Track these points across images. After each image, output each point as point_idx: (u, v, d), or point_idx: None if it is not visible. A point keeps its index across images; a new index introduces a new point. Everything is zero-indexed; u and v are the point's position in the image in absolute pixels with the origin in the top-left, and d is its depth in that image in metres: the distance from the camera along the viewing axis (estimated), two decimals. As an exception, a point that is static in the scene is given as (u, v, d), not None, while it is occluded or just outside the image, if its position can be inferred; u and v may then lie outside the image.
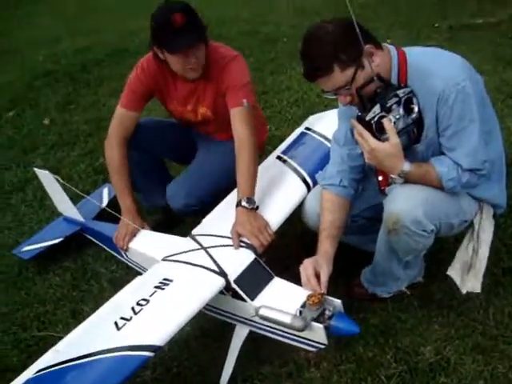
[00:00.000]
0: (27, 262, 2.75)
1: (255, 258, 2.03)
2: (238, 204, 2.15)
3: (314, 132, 2.64)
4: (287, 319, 1.79)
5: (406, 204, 1.85)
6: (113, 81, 4.89)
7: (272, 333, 1.93)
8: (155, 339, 1.68)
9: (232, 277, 1.94)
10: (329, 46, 1.73)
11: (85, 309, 2.43)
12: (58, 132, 4.13)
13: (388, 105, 1.74)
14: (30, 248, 2.77)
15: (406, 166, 1.81)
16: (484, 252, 2.06)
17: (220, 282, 1.92)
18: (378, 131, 1.75)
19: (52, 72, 5.36)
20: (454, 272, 2.08)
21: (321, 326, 1.78)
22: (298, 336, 1.86)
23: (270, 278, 1.99)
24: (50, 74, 5.31)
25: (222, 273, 1.95)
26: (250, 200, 2.16)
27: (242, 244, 2.07)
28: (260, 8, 7.16)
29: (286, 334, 1.89)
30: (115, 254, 2.52)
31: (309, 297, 1.82)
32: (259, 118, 2.74)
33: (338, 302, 1.85)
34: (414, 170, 1.83)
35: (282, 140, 2.78)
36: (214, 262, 2.01)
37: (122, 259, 2.47)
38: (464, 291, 2.08)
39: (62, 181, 2.62)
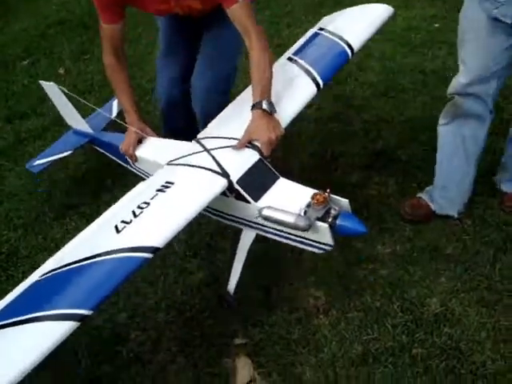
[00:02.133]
0: (44, 207, 2.82)
1: (260, 159, 1.96)
2: (257, 106, 2.01)
3: (328, 32, 2.52)
4: (291, 219, 1.75)
5: None
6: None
7: (278, 235, 1.91)
8: (154, 241, 1.67)
9: (235, 177, 1.89)
10: None
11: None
12: (73, 82, 4.13)
13: None
14: (40, 162, 2.80)
15: None
16: None
17: (222, 183, 1.88)
18: None
19: (66, 21, 5.30)
20: None
21: (326, 225, 1.74)
22: (304, 237, 1.84)
23: (275, 179, 1.93)
24: (64, 23, 5.26)
25: (224, 173, 1.90)
26: (272, 104, 2.04)
27: (248, 145, 2.00)
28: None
29: (291, 236, 1.88)
30: (124, 165, 2.49)
31: (314, 196, 1.77)
32: None
33: (344, 201, 1.82)
34: None
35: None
36: (217, 163, 1.95)
37: (131, 169, 2.46)
38: None
39: (68, 92, 2.59)
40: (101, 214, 2.62)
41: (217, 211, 2.07)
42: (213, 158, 1.98)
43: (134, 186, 2.07)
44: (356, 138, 3.14)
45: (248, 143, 1.99)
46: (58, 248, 2.51)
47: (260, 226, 1.94)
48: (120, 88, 2.37)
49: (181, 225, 1.75)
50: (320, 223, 1.75)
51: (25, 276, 2.07)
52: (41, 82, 2.73)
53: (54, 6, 5.86)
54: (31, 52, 4.76)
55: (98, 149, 2.73)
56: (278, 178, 1.94)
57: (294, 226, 1.77)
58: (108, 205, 2.72)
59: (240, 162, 1.94)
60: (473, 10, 2.11)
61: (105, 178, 2.99)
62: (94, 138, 2.72)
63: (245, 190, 1.88)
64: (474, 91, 2.19)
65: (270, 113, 2.01)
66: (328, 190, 1.79)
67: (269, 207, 1.82)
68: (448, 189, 2.43)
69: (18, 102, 3.92)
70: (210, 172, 1.92)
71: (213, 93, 2.46)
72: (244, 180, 1.89)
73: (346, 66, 3.78)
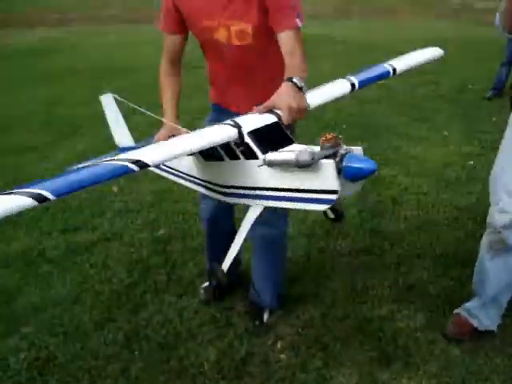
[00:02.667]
0: (85, 317, 2.96)
1: (276, 122, 1.97)
2: (288, 80, 2.02)
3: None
4: (292, 156, 1.71)
5: None
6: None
7: (282, 199, 1.90)
8: (144, 156, 1.78)
9: (246, 129, 1.92)
10: None
11: (133, 368, 2.59)
12: (125, 200, 4.44)
13: None
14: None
15: None
16: None
17: (233, 132, 1.93)
18: None
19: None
20: None
21: (330, 161, 1.68)
22: (309, 189, 1.78)
23: (289, 143, 1.91)
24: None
25: (236, 125, 1.95)
26: (303, 80, 2.03)
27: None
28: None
29: (295, 196, 1.84)
30: (157, 171, 2.64)
31: (323, 135, 1.71)
32: None
33: (358, 148, 1.74)
34: None
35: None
36: (233, 120, 2.01)
37: (162, 172, 2.62)
38: None
39: (120, 99, 2.64)
40: (139, 333, 2.75)
41: (222, 186, 2.18)
42: (231, 119, 2.03)
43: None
44: (388, 271, 3.24)
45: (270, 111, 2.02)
46: (95, 360, 2.64)
47: (263, 192, 1.96)
48: (166, 89, 2.51)
49: (180, 151, 1.87)
50: (325, 160, 1.69)
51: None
52: (101, 97, 2.79)
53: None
54: (88, 166, 5.15)
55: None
56: (292, 142, 1.93)
57: (296, 162, 1.70)
58: (146, 319, 2.90)
59: (255, 121, 1.99)
60: None
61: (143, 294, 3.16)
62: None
63: (254, 143, 1.90)
64: None
65: (300, 88, 2.01)
66: (341, 136, 1.73)
67: (273, 153, 1.84)
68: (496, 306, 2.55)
69: (73, 216, 4.20)
70: (224, 125, 2.00)
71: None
72: (255, 134, 1.92)
73: (382, 202, 4.06)
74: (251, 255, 2.91)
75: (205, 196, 2.60)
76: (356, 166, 1.67)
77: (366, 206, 4.02)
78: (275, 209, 2.37)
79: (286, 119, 1.97)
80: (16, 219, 4.15)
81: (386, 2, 29.58)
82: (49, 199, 1.58)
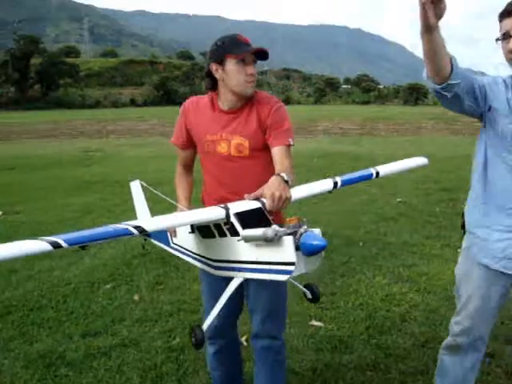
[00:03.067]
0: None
1: (260, 207, 2.29)
2: (277, 174, 2.38)
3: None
4: (261, 231, 2.08)
5: None
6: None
7: (255, 271, 2.27)
8: (143, 223, 2.18)
9: (232, 211, 2.27)
10: None
11: None
12: (145, 308, 4.64)
13: None
14: None
15: None
16: None
17: (220, 212, 2.30)
18: None
19: (148, 254, 6.09)
20: None
21: (290, 237, 2.03)
22: (273, 262, 2.13)
23: (268, 225, 2.16)
24: (146, 256, 6.03)
25: (225, 207, 2.32)
26: (289, 176, 2.38)
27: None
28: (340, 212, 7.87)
29: (264, 268, 2.20)
30: (166, 247, 3.02)
31: (288, 218, 2.10)
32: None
33: (316, 230, 2.08)
34: None
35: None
36: (224, 205, 2.36)
37: (171, 250, 2.97)
38: None
39: (146, 185, 3.19)
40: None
41: (213, 260, 2.53)
42: (224, 205, 2.37)
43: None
44: (391, 388, 3.32)
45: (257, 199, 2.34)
46: None
47: (242, 265, 2.33)
48: (180, 185, 2.90)
49: (172, 223, 2.40)
50: (286, 237, 2.05)
51: None
52: (131, 183, 3.31)
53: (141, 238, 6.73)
54: (114, 277, 5.43)
55: (151, 240, 3.23)
56: (270, 225, 2.18)
57: (264, 236, 2.06)
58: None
59: (242, 205, 2.34)
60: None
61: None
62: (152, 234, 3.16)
63: (238, 223, 2.25)
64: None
65: (286, 181, 2.35)
66: (304, 219, 2.09)
67: (248, 230, 2.19)
68: None
69: (94, 321, 4.41)
70: (215, 207, 2.37)
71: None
72: (239, 215, 2.27)
73: (390, 318, 4.19)
74: (254, 368, 3.04)
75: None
76: (309, 242, 2.02)
77: (374, 322, 4.15)
78: (277, 321, 2.59)
79: (269, 206, 2.28)
80: (40, 321, 4.40)
81: (410, 119, 30.73)
82: (62, 246, 1.97)
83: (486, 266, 2.52)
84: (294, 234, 2.06)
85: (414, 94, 66.98)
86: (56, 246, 1.96)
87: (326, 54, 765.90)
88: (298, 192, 2.54)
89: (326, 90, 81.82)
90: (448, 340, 2.77)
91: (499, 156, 2.40)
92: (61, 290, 5.12)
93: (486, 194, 2.47)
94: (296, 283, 2.72)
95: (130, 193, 3.36)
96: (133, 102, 75.44)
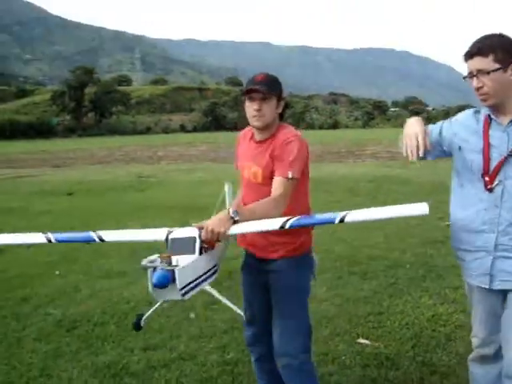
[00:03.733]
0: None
1: (194, 236, 2.60)
2: (227, 209, 2.68)
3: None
4: (144, 260, 2.45)
5: None
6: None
7: None
8: (102, 234, 2.92)
9: (172, 235, 2.65)
10: (503, 41, 2.50)
11: None
12: (200, 326, 4.92)
13: None
14: None
15: None
16: None
17: (162, 234, 2.70)
18: None
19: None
20: None
21: (150, 269, 2.42)
22: None
23: (191, 253, 2.55)
24: (200, 276, 6.34)
25: (168, 231, 2.69)
26: (235, 213, 2.63)
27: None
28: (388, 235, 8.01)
29: None
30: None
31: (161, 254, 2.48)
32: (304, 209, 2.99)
33: (178, 267, 2.40)
34: None
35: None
36: (170, 230, 2.72)
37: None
38: None
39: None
40: None
41: None
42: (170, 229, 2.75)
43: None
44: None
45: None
46: None
47: None
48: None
49: (115, 239, 3.04)
50: (149, 269, 2.44)
51: None
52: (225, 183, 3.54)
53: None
54: (171, 297, 5.74)
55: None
56: (193, 253, 2.57)
57: (142, 264, 2.45)
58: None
59: (182, 232, 2.67)
60: None
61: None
62: None
63: (169, 245, 2.62)
64: None
65: (231, 217, 2.61)
66: (173, 259, 2.43)
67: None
68: None
69: (153, 336, 4.71)
70: (163, 229, 2.75)
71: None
72: (175, 240, 2.62)
73: (436, 338, 4.32)
74: None
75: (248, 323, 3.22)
76: (153, 277, 2.38)
77: (420, 341, 4.30)
78: (292, 340, 2.93)
79: (203, 236, 2.60)
80: (104, 335, 4.74)
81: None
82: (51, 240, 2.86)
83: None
84: (154, 268, 2.42)
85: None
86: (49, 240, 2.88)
87: (372, 78, 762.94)
88: (242, 227, 2.69)
89: (374, 113, 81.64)
90: (473, 353, 2.98)
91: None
92: (121, 308, 5.47)
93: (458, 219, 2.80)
94: (230, 304, 2.90)
95: (220, 194, 3.55)
96: (182, 128, 77.27)
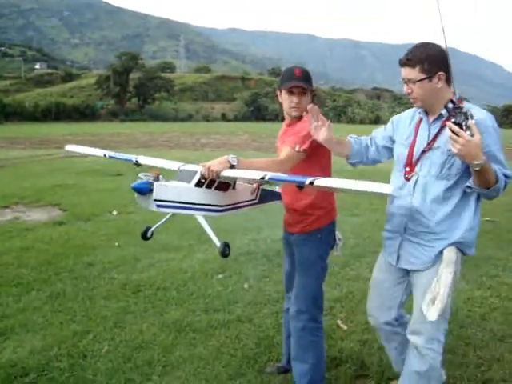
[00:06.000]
0: (222, 371, 3.88)
1: (196, 171, 3.09)
2: (227, 155, 2.98)
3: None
4: (141, 174, 3.08)
5: None
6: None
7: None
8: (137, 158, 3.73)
9: (182, 167, 3.26)
10: (431, 52, 2.74)
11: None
12: (254, 294, 5.42)
13: (466, 114, 2.47)
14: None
15: (484, 157, 2.50)
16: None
17: (177, 164, 3.37)
18: (465, 130, 2.45)
19: (253, 253, 6.89)
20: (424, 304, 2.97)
21: (140, 178, 3.01)
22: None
23: (189, 182, 3.09)
24: (251, 254, 6.83)
25: (182, 164, 3.32)
26: (234, 158, 2.94)
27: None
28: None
29: None
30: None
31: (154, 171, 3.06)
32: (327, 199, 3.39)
33: (158, 182, 3.02)
34: (487, 163, 2.53)
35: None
36: (183, 164, 3.35)
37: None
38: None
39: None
40: None
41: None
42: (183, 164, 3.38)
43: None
44: (467, 368, 3.89)
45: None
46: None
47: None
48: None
49: (152, 163, 3.66)
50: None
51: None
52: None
53: (247, 240, 7.57)
54: (225, 269, 6.25)
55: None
56: (189, 183, 3.10)
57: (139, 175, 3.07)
58: (268, 376, 3.74)
59: (189, 166, 3.25)
60: None
61: None
62: None
63: (178, 174, 3.25)
64: None
65: (229, 162, 2.93)
66: (161, 175, 3.04)
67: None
68: None
69: (212, 301, 5.24)
70: (178, 163, 3.44)
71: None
72: (183, 170, 3.22)
73: (471, 317, 4.70)
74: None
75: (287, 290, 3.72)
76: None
77: (455, 318, 4.69)
78: (306, 298, 3.40)
79: (202, 171, 3.00)
80: (167, 299, 5.28)
81: (505, 142, 29.52)
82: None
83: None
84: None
85: (511, 117, 64.47)
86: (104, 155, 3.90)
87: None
88: (235, 173, 3.00)
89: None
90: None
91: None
92: (180, 277, 6.02)
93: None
94: (214, 238, 3.15)
95: None
96: (224, 117, 77.82)
